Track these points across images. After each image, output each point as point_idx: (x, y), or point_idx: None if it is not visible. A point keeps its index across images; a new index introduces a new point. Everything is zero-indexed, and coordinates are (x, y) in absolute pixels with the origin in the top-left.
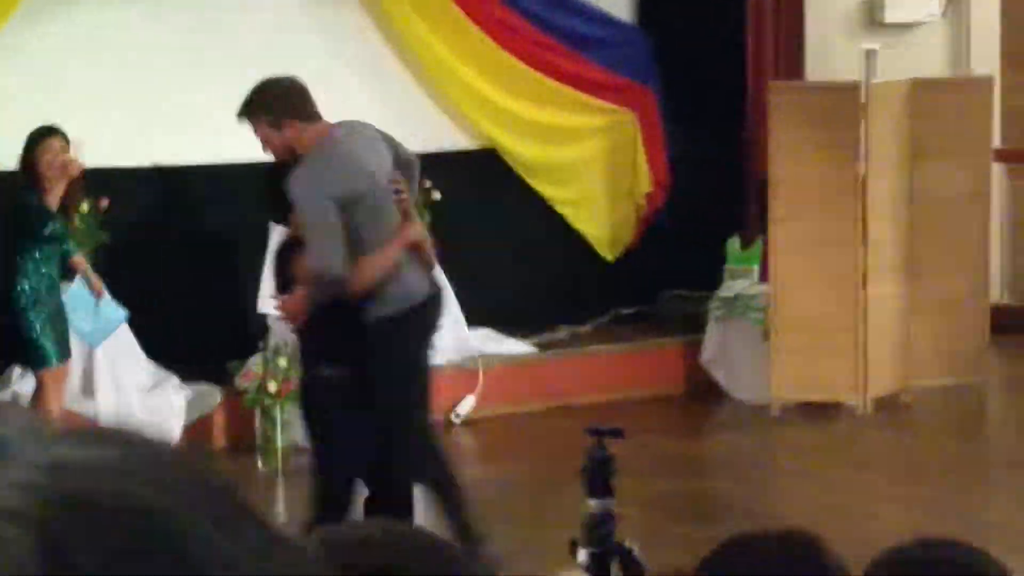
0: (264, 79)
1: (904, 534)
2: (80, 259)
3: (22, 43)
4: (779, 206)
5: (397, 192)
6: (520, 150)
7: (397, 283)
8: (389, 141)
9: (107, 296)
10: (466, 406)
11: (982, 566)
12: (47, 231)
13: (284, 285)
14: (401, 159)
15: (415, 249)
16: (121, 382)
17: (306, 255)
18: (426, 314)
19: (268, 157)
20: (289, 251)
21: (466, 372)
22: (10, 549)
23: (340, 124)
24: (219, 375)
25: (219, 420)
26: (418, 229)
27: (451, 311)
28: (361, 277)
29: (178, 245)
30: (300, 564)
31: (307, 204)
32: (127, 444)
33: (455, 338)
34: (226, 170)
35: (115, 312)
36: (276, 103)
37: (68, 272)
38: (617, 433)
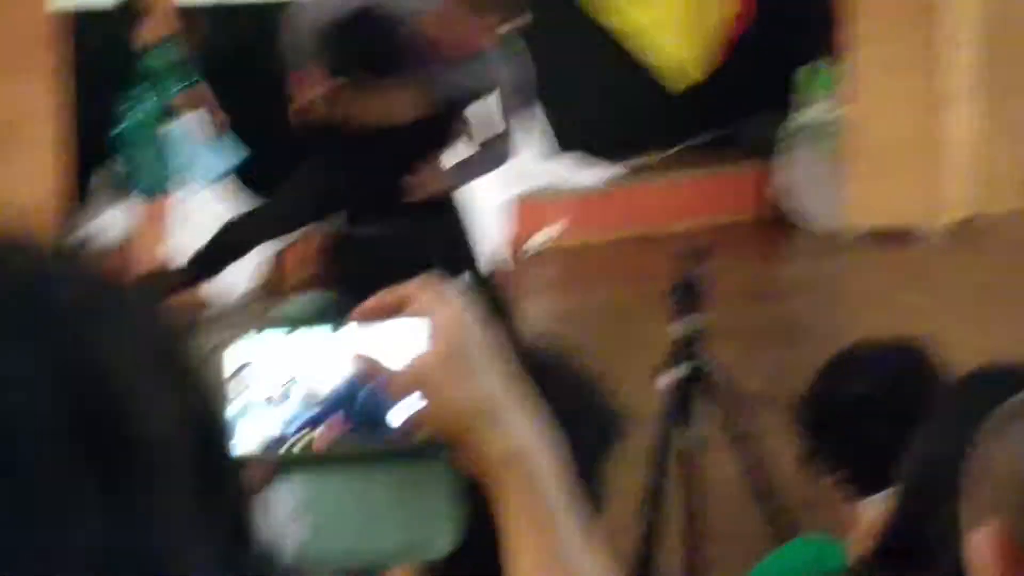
0: None
1: (979, 359)
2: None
3: None
4: (857, 28)
5: None
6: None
7: None
8: None
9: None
10: (541, 238)
11: None
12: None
13: None
14: None
15: None
16: None
17: None
18: None
19: None
20: None
21: (541, 204)
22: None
23: None
24: None
25: None
26: None
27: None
28: None
29: None
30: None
31: None
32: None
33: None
34: None
35: (235, 149)
36: None
37: None
38: (704, 254)
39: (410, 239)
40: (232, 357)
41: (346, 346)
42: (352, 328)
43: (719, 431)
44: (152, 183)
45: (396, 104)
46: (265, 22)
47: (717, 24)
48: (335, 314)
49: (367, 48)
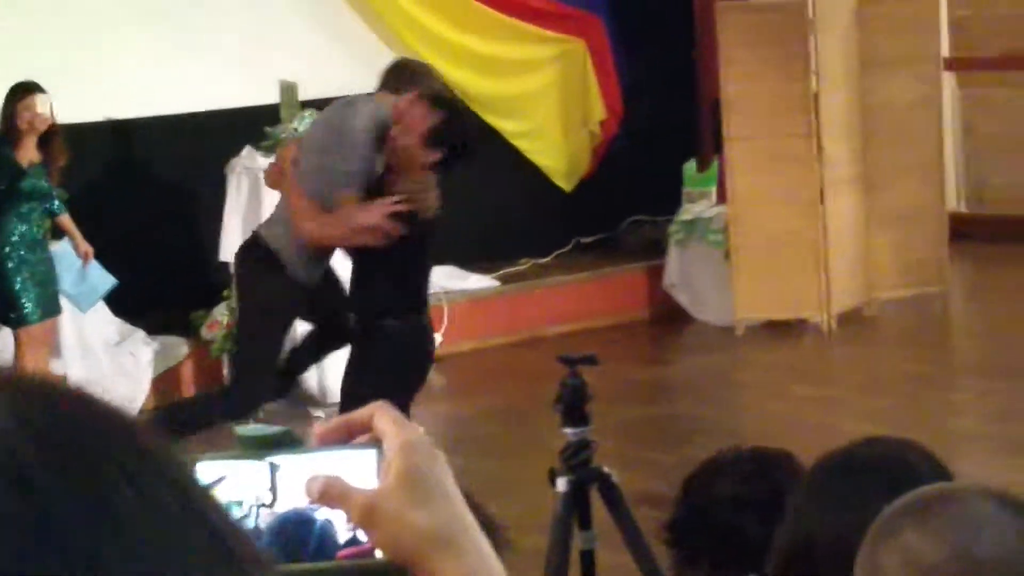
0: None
1: None
2: (66, 219)
3: None
4: (733, 126)
5: None
6: (472, 84)
7: None
8: None
9: (95, 262)
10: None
11: (916, 461)
12: (25, 186)
13: None
14: None
15: None
16: (87, 340)
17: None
18: None
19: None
20: None
21: (432, 310)
22: None
23: None
24: (184, 327)
25: (187, 371)
26: None
27: None
28: None
29: (136, 198)
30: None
31: None
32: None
33: None
34: (178, 120)
35: (103, 278)
36: None
37: (57, 232)
38: (590, 360)
39: None
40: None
41: (305, 470)
42: (311, 453)
43: (615, 531)
44: (28, 308)
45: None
46: (151, 138)
47: (589, 128)
48: (293, 439)
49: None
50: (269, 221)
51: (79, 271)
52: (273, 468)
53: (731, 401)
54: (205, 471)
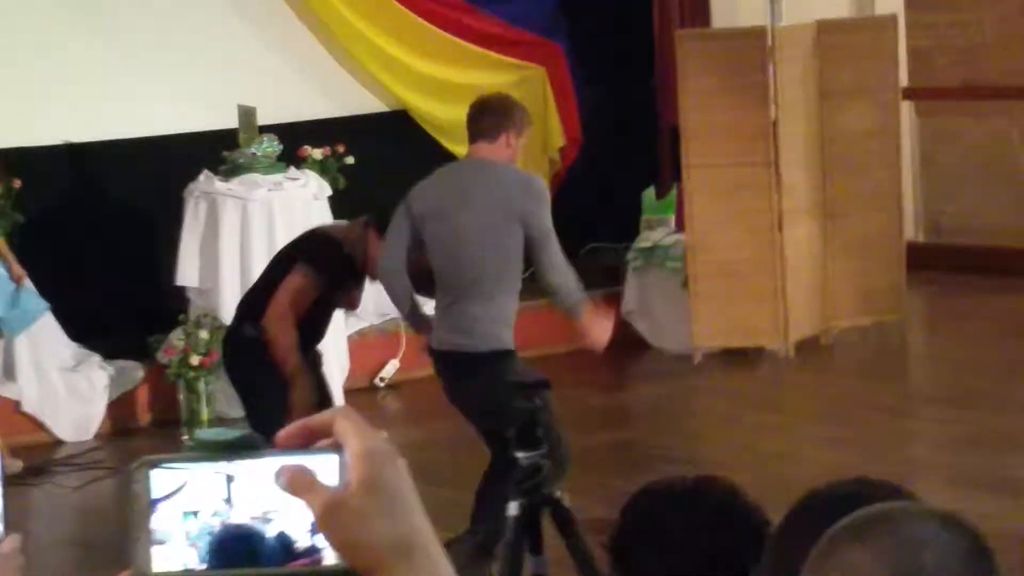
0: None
1: (828, 475)
2: (0, 242)
3: None
4: (692, 154)
5: None
6: (430, 110)
7: None
8: None
9: (29, 285)
10: (390, 370)
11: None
12: None
13: None
14: None
15: None
16: (42, 364)
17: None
18: None
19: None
20: None
21: (389, 336)
22: None
23: None
24: (140, 351)
25: (143, 396)
26: None
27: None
28: None
29: (92, 222)
30: None
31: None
32: None
33: (376, 303)
34: (136, 144)
35: (36, 303)
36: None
37: None
38: (542, 384)
39: None
40: (154, 484)
41: (264, 475)
42: (270, 457)
43: (569, 557)
44: None
45: None
46: (109, 162)
47: (549, 155)
48: (253, 443)
49: None
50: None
51: (12, 294)
52: (229, 479)
53: (688, 428)
54: (164, 479)
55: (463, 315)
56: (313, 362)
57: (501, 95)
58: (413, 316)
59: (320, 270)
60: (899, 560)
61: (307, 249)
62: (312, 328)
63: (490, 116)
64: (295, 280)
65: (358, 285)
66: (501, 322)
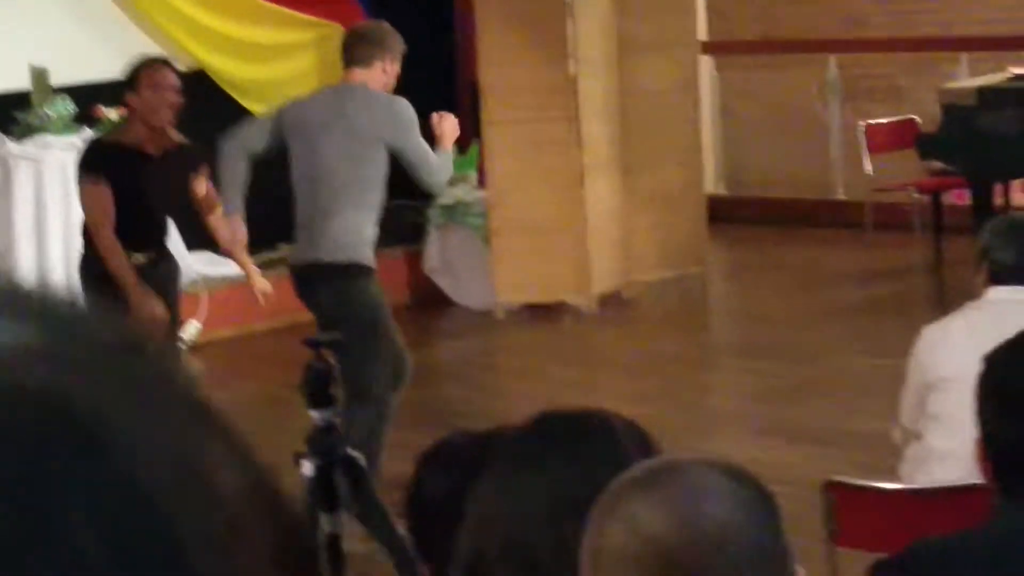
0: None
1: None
2: None
3: None
4: (492, 110)
5: None
6: (229, 70)
7: None
8: None
9: None
10: (191, 330)
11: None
12: None
13: None
14: None
15: None
16: None
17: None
18: None
19: None
20: None
21: (190, 297)
22: None
23: None
24: None
25: None
26: None
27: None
28: None
29: None
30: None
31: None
32: (71, 327)
33: None
34: None
35: None
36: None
37: None
38: (336, 343)
39: None
40: None
41: None
42: None
43: (360, 516)
44: None
45: None
46: None
47: None
48: None
49: None
50: (338, 246)
51: None
52: None
53: (491, 384)
54: None
55: (319, 231)
56: (166, 274)
57: (375, 22)
58: (234, 200)
59: (85, 169)
60: (682, 509)
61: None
62: (129, 228)
63: (365, 43)
64: (79, 193)
65: (146, 163)
66: (355, 236)
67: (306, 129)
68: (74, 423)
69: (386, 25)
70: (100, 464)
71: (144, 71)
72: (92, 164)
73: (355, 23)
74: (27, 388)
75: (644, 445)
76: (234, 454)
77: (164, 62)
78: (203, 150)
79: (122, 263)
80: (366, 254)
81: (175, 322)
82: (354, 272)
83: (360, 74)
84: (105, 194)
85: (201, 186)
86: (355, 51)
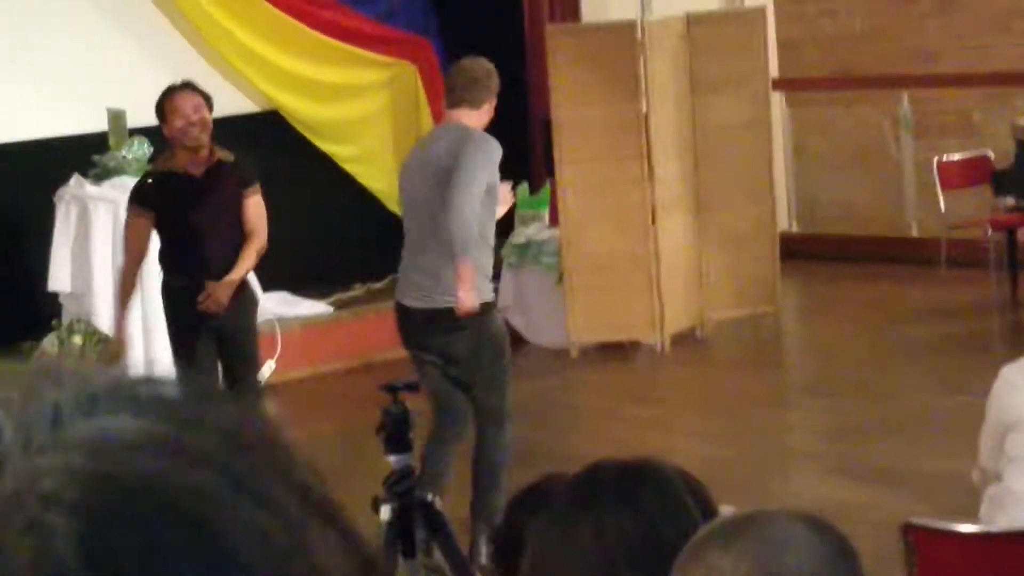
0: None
1: (704, 469)
2: None
3: None
4: (564, 148)
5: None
6: (302, 110)
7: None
8: None
9: None
10: (266, 371)
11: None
12: None
13: None
14: None
15: None
16: None
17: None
18: None
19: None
20: None
21: (264, 337)
22: (48, 537)
23: None
24: (12, 357)
25: None
26: None
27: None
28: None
29: None
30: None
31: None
32: (180, 416)
33: None
34: (3, 149)
35: None
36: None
37: None
38: (412, 387)
39: None
40: None
41: None
42: None
43: (443, 561)
44: None
45: None
46: None
47: None
48: None
49: None
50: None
51: None
52: None
53: (567, 424)
54: None
55: (422, 271)
56: (241, 308)
57: (481, 63)
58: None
59: (130, 202)
60: (760, 559)
61: None
62: (179, 252)
63: (479, 88)
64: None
65: (192, 183)
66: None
67: (425, 173)
68: (177, 508)
69: (490, 65)
70: (202, 543)
71: (164, 101)
72: (137, 197)
73: (458, 62)
74: (135, 476)
75: (699, 494)
76: (341, 538)
77: (183, 86)
78: (252, 166)
79: (123, 293)
80: (487, 288)
81: (253, 357)
82: (484, 308)
83: (467, 116)
84: (143, 227)
85: (250, 208)
86: (467, 93)
